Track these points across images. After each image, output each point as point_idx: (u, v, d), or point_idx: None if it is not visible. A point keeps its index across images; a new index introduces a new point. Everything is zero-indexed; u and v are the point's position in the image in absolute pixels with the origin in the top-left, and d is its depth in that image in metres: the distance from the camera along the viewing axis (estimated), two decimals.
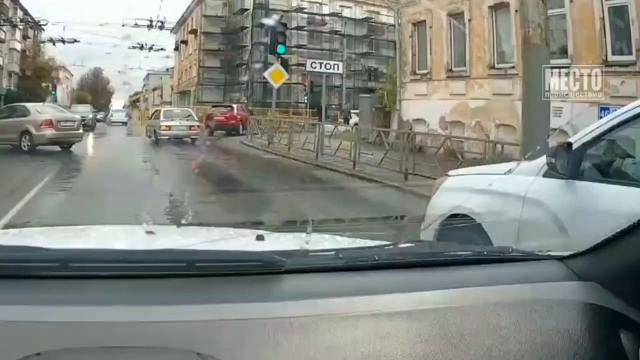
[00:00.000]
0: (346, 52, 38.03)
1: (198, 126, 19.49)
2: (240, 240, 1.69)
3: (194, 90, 44.31)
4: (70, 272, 1.11)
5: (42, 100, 29.62)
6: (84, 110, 28.22)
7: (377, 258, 1.29)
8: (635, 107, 2.46)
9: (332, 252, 1.34)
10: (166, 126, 18.33)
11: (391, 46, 39.13)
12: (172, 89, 52.33)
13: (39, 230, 1.97)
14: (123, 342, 0.96)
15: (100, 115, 39.99)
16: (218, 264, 1.20)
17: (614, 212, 1.92)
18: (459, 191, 3.18)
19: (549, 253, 1.38)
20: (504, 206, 2.75)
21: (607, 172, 2.54)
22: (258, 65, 33.85)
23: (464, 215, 2.83)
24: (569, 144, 2.49)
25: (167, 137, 18.00)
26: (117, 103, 54.45)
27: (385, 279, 1.22)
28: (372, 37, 41.46)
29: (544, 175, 2.60)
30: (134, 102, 55.58)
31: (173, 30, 48.20)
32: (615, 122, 2.51)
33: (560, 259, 1.32)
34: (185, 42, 48.33)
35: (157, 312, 1.03)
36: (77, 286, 1.09)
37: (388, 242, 1.54)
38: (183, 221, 1.87)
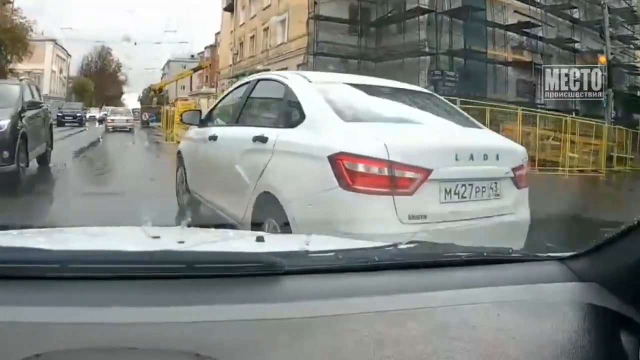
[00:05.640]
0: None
1: (131, 120, 30.00)
2: (239, 242, 1.69)
3: (288, 66, 22.36)
4: (70, 273, 1.11)
5: None
6: None
7: (377, 259, 1.29)
8: (226, 92, 5.82)
9: (332, 253, 1.34)
10: (111, 120, 29.13)
11: None
12: (215, 75, 34.79)
13: (39, 231, 1.96)
14: (123, 344, 0.96)
15: (102, 114, 33.02)
16: (218, 265, 1.19)
17: (205, 133, 5.04)
18: (183, 139, 6.37)
19: (549, 254, 1.38)
20: (188, 144, 5.83)
21: (209, 121, 5.35)
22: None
23: (179, 152, 6.01)
24: (200, 110, 6.23)
25: (112, 127, 27.92)
26: (131, 97, 43.87)
27: (385, 280, 1.22)
28: None
29: (198, 126, 5.48)
30: (159, 91, 37.79)
31: None
32: (216, 102, 5.66)
33: (561, 259, 1.32)
34: None
35: (157, 313, 1.03)
36: (76, 287, 1.09)
37: (388, 243, 1.54)
38: (183, 222, 1.88)
